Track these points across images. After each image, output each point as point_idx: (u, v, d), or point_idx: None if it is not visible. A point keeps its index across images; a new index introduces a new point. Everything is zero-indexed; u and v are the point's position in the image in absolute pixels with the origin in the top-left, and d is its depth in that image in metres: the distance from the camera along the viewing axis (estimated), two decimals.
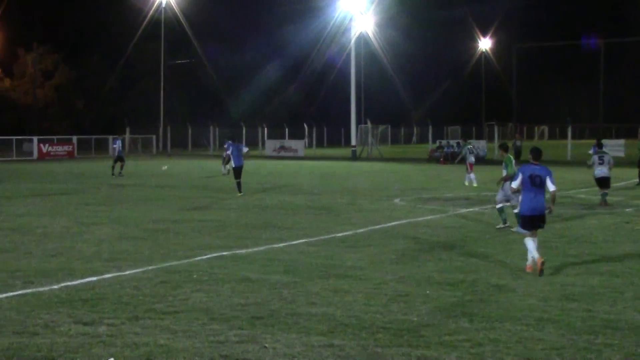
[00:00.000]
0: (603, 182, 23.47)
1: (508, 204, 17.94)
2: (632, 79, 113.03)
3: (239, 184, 26.93)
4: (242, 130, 75.30)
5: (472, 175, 31.46)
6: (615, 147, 50.53)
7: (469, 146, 33.46)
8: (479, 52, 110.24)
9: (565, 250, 14.53)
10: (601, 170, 23.49)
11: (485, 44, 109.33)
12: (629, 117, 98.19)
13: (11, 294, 10.63)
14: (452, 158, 52.73)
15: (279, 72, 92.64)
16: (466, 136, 68.79)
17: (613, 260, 13.40)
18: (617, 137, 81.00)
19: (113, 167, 38.44)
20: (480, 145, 56.36)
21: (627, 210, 21.89)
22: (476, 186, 30.47)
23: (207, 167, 46.64)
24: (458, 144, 55.78)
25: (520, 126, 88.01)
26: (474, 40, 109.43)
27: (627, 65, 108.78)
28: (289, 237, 16.26)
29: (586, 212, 21.17)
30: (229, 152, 29.13)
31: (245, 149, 27.82)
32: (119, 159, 38.23)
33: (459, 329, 8.88)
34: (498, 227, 17.74)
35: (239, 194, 26.43)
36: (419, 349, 8.08)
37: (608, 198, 23.42)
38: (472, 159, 32.39)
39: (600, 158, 23.75)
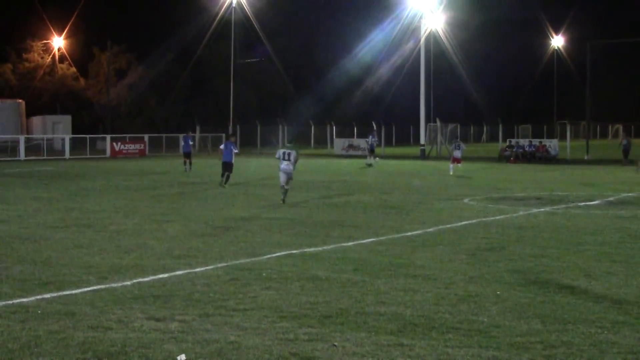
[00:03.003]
0: None
1: None
2: None
3: (223, 175, 29.42)
4: (310, 128, 75.58)
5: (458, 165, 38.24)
6: None
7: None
8: (552, 50, 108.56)
9: None
10: None
11: (557, 41, 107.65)
12: None
13: (86, 289, 10.86)
14: (523, 157, 52.10)
15: (349, 71, 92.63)
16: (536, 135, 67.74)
17: None
18: None
19: (185, 163, 40.32)
20: (552, 144, 55.48)
21: None
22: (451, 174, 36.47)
23: (276, 165, 46.86)
24: (530, 143, 55.10)
25: (593, 124, 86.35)
26: (546, 38, 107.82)
27: None
28: (359, 235, 16.25)
29: None
30: (221, 147, 31.44)
31: (235, 151, 30.43)
32: (187, 155, 39.77)
33: (531, 330, 8.74)
34: None
35: (222, 186, 28.86)
36: (489, 350, 7.99)
37: None
38: (457, 153, 38.72)
39: None
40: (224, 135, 71.61)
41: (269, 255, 13.66)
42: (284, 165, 23.59)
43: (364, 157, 56.06)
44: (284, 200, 23.18)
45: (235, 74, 75.96)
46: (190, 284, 11.23)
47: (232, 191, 27.93)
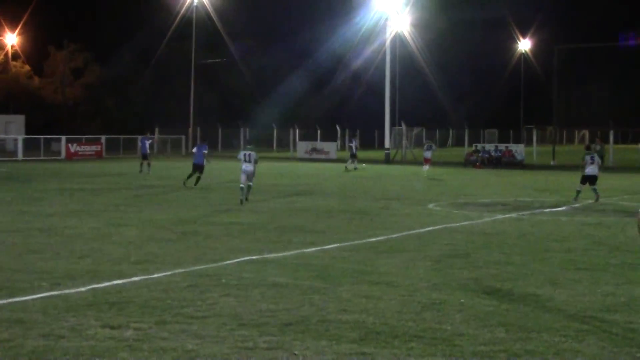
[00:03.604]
0: (591, 180, 26.79)
1: None
2: None
3: (189, 176, 30.76)
4: (273, 131, 75.48)
5: (426, 167, 41.54)
6: None
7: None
8: (519, 54, 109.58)
9: (607, 259, 14.36)
10: (591, 169, 26.81)
11: (524, 45, 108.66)
12: None
13: (38, 295, 10.73)
14: (489, 162, 52.53)
15: (312, 73, 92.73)
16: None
17: None
18: None
19: (142, 165, 40.73)
20: (519, 149, 55.99)
21: None
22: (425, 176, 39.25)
23: (237, 169, 46.76)
24: (496, 147, 55.59)
25: (560, 129, 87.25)
26: (513, 41, 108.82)
27: None
28: (321, 241, 16.25)
29: (629, 220, 20.91)
30: (194, 149, 32.45)
31: (205, 151, 31.25)
32: (144, 157, 40.90)
33: (495, 339, 8.80)
34: None
35: (185, 185, 30.37)
36: (452, 358, 8.03)
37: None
38: (427, 154, 42.57)
39: (592, 158, 27.09)
40: (183, 137, 71.39)
41: (228, 261, 13.62)
42: (245, 166, 24.96)
43: (328, 161, 56.19)
44: (242, 202, 24.33)
45: (197, 74, 75.69)
46: (147, 290, 11.14)
47: (191, 195, 27.81)
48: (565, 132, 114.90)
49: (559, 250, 15.29)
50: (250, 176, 24.98)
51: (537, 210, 23.40)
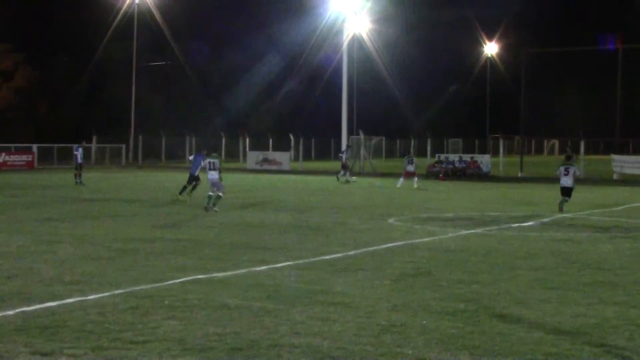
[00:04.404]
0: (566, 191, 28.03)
1: None
2: None
3: (185, 188, 31.34)
4: (221, 140, 75.26)
5: (402, 180, 42.62)
6: (633, 164, 50.74)
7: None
8: (484, 58, 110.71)
9: (577, 277, 14.53)
10: (565, 181, 28.01)
11: (491, 48, 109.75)
12: None
13: None
14: (453, 174, 52.91)
15: (264, 78, 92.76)
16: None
17: (629, 289, 13.40)
18: (635, 152, 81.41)
19: (76, 176, 40.88)
20: (484, 160, 56.50)
21: None
22: (399, 187, 41.12)
23: (184, 181, 46.58)
24: (460, 158, 56.04)
25: (528, 139, 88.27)
26: (478, 45, 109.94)
27: None
28: (272, 259, 16.21)
29: (600, 236, 21.21)
30: (190, 157, 33.54)
31: (202, 161, 30.90)
32: (78, 167, 40.64)
33: None
34: None
35: (178, 196, 31.07)
36: None
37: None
38: (411, 168, 43.37)
39: (566, 169, 28.16)
40: (123, 146, 70.84)
41: (172, 281, 13.52)
42: (209, 174, 27.15)
43: (281, 172, 56.18)
44: (206, 209, 26.43)
45: (139, 78, 75.23)
46: (83, 313, 11.01)
47: (131, 209, 27.61)
48: (533, 142, 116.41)
49: (527, 268, 15.43)
50: (215, 184, 26.88)
51: (504, 226, 23.61)
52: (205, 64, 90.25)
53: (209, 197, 26.95)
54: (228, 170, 61.17)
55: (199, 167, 30.88)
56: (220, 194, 27.10)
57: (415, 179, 42.65)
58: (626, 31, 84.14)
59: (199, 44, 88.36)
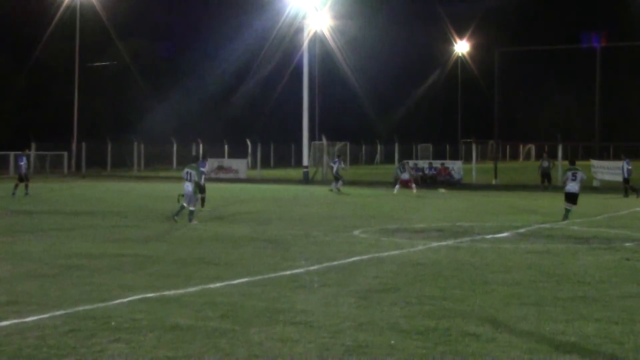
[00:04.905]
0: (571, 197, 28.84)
1: None
2: (634, 90, 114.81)
3: (202, 199, 31.95)
4: (172, 146, 74.99)
5: (398, 187, 45.27)
6: (613, 170, 51.25)
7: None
8: (455, 57, 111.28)
9: (555, 292, 14.63)
10: (572, 187, 28.81)
11: (462, 47, 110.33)
12: (630, 134, 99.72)
13: None
14: (423, 182, 53.12)
15: (219, 79, 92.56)
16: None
17: (611, 305, 13.51)
18: (616, 157, 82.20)
19: (16, 187, 40.33)
20: (456, 166, 56.77)
21: (627, 244, 22.17)
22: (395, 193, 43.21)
23: (132, 191, 46.32)
24: (430, 165, 56.27)
25: (502, 144, 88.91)
26: (449, 43, 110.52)
27: (629, 75, 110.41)
28: (228, 275, 16.16)
29: (580, 247, 21.39)
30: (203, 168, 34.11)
31: (202, 169, 32.40)
32: (21, 177, 40.06)
33: None
34: None
35: (202, 208, 31.72)
36: None
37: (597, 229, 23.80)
38: (405, 175, 46.27)
39: (573, 174, 28.90)
40: (65, 153, 70.30)
41: (119, 300, 13.42)
42: (185, 185, 27.51)
43: (237, 180, 56.07)
44: (175, 219, 26.94)
45: (82, 80, 74.70)
46: (20, 337, 10.89)
47: (75, 222, 27.40)
48: (508, 147, 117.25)
49: (502, 283, 15.51)
50: (188, 197, 27.23)
51: (477, 237, 23.72)
52: (154, 63, 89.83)
53: (181, 208, 27.24)
54: (180, 179, 60.94)
55: (203, 175, 31.41)
56: (191, 207, 27.32)
57: (413, 185, 45.31)
58: (607, 30, 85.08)
59: (167, 43, 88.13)
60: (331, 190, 46.92)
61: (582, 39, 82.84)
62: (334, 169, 48.87)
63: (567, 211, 28.75)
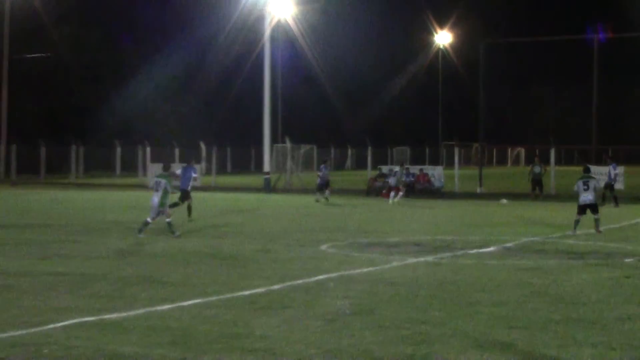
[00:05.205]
0: (590, 209, 28.86)
1: None
2: (634, 89, 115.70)
3: (172, 206, 31.11)
4: (115, 150, 74.65)
5: (392, 195, 45.20)
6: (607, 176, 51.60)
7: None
8: (435, 49, 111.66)
9: (548, 313, 14.69)
10: (586, 197, 28.77)
11: (443, 38, 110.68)
12: (630, 137, 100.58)
13: None
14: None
15: (169, 73, 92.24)
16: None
17: (609, 328, 13.58)
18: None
19: None
20: (437, 172, 56.86)
21: (627, 260, 22.31)
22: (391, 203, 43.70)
23: (69, 200, 46.06)
24: (408, 171, 56.30)
25: (489, 147, 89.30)
26: (429, 34, 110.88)
27: (629, 71, 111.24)
28: (178, 296, 16.10)
29: (575, 264, 21.50)
30: (178, 171, 34.81)
31: (195, 175, 34.88)
32: None
33: None
34: None
35: (189, 219, 32.66)
36: None
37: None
38: (392, 180, 46.76)
39: (585, 183, 28.88)
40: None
41: (53, 325, 13.34)
42: (153, 196, 27.62)
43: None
44: (140, 232, 26.89)
45: (11, 74, 74.21)
46: None
47: (1, 236, 27.16)
48: (495, 150, 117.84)
49: (487, 304, 15.56)
50: (153, 209, 27.30)
51: (460, 252, 23.79)
52: (94, 55, 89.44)
53: (145, 222, 27.22)
54: (124, 186, 60.75)
55: (190, 180, 33.46)
56: (167, 219, 27.41)
57: (392, 194, 45.38)
58: (606, 21, 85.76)
59: (125, 33, 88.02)
60: (317, 200, 46.36)
61: (587, 31, 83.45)
62: (321, 176, 48.23)
63: (578, 222, 28.82)
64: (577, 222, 28.77)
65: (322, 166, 50.07)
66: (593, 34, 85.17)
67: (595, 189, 29.32)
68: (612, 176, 44.78)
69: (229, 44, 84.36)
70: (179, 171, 34.78)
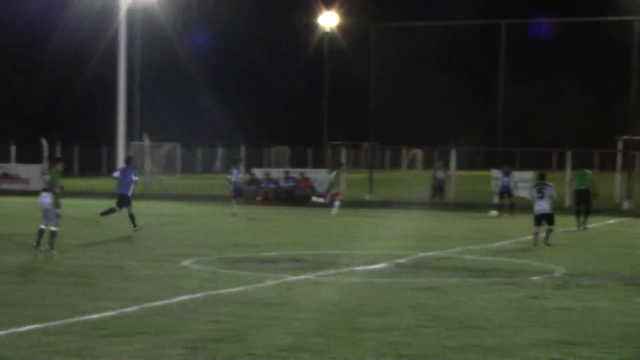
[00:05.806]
0: (545, 219, 30.20)
1: None
2: (547, 79, 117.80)
3: (107, 212, 33.78)
4: None
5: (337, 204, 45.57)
6: (520, 182, 52.49)
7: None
8: (320, 33, 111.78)
9: (442, 340, 14.90)
10: (541, 206, 30.16)
11: (329, 19, 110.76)
12: (538, 138, 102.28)
13: None
14: (277, 196, 53.25)
15: (3, 59, 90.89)
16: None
17: (513, 355, 13.84)
18: (524, 166, 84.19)
19: None
20: (320, 177, 56.95)
21: (534, 279, 22.74)
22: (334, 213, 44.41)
23: None
24: (287, 175, 56.38)
25: (381, 148, 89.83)
26: (312, 15, 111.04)
27: (539, 59, 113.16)
28: (12, 321, 15.92)
29: (476, 282, 21.85)
30: (116, 174, 35.11)
31: (135, 179, 34.42)
32: None
33: None
34: None
35: (135, 228, 32.93)
36: None
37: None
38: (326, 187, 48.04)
39: (539, 191, 30.40)
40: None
41: None
42: (42, 198, 26.90)
43: (27, 193, 55.17)
44: (36, 247, 26.46)
45: None
46: None
47: None
48: (388, 152, 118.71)
49: (374, 329, 15.70)
50: (47, 213, 26.59)
51: (345, 269, 23.95)
52: None
53: (40, 231, 26.70)
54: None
55: (131, 184, 33.65)
56: (53, 227, 26.59)
57: (337, 203, 45.99)
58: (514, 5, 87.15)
59: None
60: (234, 214, 44.28)
61: (530, 25, 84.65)
62: (233, 181, 46.07)
63: (536, 235, 30.05)
64: (536, 234, 30.07)
65: (232, 168, 48.11)
66: (535, 23, 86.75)
67: (551, 197, 30.55)
68: (506, 182, 45.53)
69: (77, 24, 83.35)
70: (117, 173, 34.91)
